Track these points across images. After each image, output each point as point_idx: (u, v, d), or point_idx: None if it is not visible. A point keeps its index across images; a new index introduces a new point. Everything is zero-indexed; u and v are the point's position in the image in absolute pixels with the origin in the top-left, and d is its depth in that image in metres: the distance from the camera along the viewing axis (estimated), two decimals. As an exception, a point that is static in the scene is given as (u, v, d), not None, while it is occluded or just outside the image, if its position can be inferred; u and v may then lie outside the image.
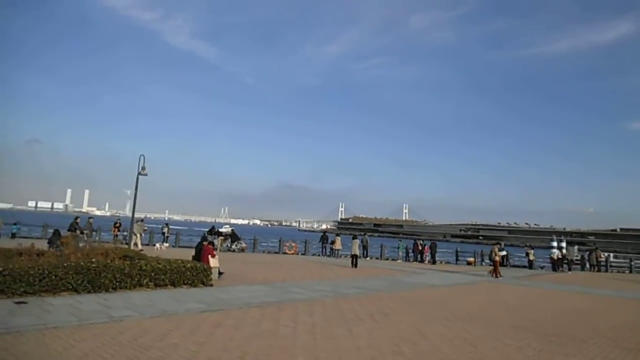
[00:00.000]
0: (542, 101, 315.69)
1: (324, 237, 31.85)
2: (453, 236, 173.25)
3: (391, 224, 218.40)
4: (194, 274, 11.95)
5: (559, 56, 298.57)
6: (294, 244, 31.27)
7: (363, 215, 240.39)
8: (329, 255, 30.73)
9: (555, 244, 48.17)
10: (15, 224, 28.85)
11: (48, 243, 16.37)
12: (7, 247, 12.27)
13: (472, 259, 31.09)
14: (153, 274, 11.15)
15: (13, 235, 27.87)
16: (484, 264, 31.14)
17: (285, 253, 30.21)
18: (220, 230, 30.10)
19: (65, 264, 9.72)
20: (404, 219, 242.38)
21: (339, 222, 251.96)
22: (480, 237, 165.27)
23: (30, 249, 11.92)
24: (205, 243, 14.67)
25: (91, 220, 26.09)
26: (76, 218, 24.97)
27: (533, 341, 7.72)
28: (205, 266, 12.43)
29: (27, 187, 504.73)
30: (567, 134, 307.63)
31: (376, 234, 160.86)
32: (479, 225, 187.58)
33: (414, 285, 15.97)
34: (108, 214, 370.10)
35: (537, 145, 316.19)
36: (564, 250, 47.29)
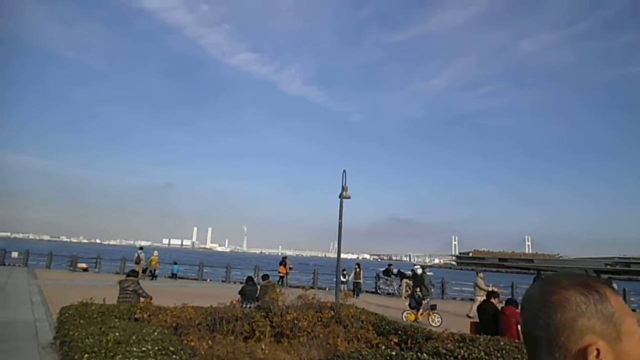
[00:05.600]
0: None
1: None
2: (596, 271, 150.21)
3: (518, 258, 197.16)
4: None
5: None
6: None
7: (485, 250, 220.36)
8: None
9: None
10: (175, 263, 28.46)
11: (240, 294, 12.15)
12: (203, 307, 8.85)
13: None
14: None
15: (174, 276, 27.28)
16: None
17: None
18: (402, 271, 21.96)
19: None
20: (527, 252, 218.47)
21: (457, 257, 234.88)
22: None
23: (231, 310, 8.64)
24: (494, 299, 8.88)
25: (429, 273, 15.30)
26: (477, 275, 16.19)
27: None
28: None
29: (161, 226, 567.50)
30: None
31: (503, 270, 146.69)
32: (629, 258, 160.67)
33: None
34: (228, 250, 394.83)
35: None
36: None
